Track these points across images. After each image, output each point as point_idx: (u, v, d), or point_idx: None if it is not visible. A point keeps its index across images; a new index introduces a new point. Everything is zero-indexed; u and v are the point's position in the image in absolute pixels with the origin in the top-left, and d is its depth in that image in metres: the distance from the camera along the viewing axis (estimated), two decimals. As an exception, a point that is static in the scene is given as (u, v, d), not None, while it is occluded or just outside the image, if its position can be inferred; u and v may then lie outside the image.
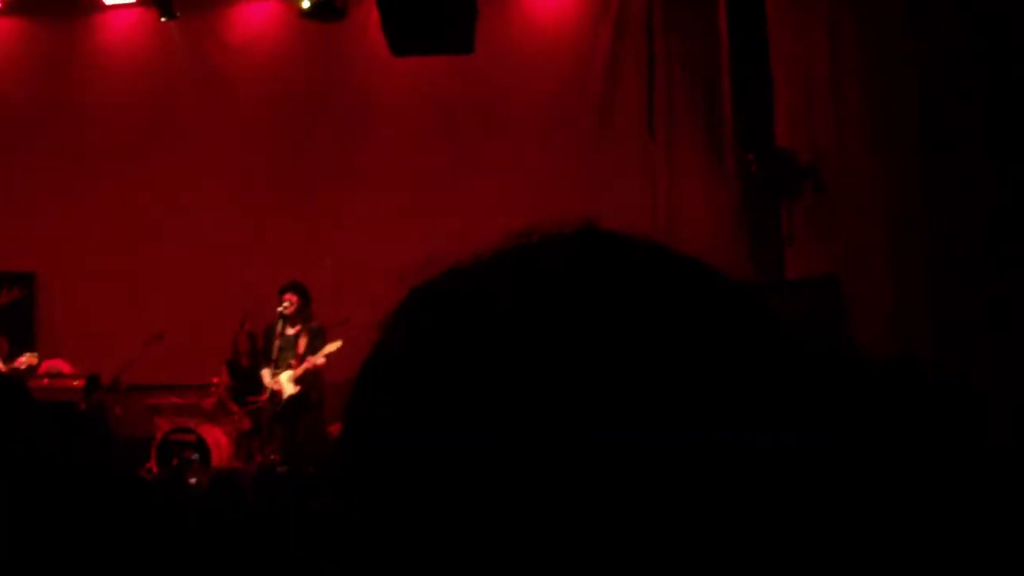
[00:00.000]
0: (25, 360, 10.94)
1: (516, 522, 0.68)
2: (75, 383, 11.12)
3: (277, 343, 11.29)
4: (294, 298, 11.22)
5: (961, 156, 8.96)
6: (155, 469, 10.59)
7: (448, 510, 0.69)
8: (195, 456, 10.76)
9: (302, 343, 11.20)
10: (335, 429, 10.79)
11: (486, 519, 0.69)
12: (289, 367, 11.18)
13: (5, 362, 10.92)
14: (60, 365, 11.44)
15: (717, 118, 12.65)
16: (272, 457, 10.67)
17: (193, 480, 9.24)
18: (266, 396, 11.31)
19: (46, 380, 10.97)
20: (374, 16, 10.72)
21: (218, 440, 11.10)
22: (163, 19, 13.62)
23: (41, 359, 11.27)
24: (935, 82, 9.21)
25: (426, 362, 0.74)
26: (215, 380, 11.68)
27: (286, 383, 11.15)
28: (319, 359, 11.03)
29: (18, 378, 8.56)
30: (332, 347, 10.94)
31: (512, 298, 0.74)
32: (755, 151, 11.95)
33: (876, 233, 10.06)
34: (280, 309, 11.24)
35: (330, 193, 13.39)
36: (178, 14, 13.56)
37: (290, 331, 11.29)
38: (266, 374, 11.36)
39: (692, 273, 0.77)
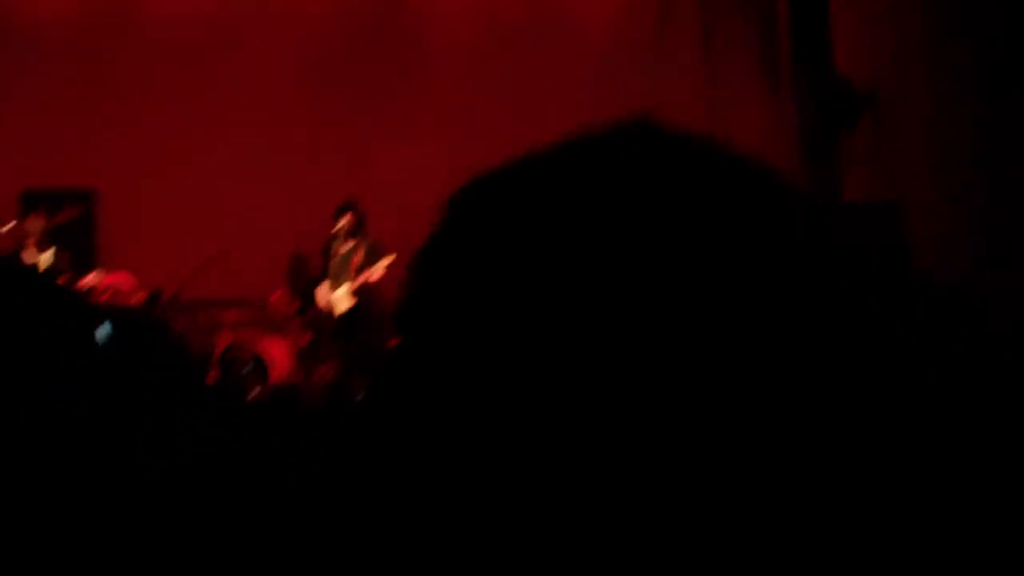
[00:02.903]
0: (90, 279, 11.01)
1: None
2: (136, 298, 11.22)
3: (334, 259, 11.42)
4: (350, 216, 11.34)
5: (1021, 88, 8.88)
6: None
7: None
8: (250, 370, 10.86)
9: (357, 258, 11.32)
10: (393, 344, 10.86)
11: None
12: (345, 281, 11.31)
13: (68, 279, 11.00)
14: (122, 279, 11.50)
15: (774, 46, 12.58)
16: (331, 373, 10.79)
17: (253, 393, 9.33)
18: (324, 311, 11.45)
19: (109, 294, 11.05)
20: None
21: (278, 354, 11.20)
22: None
23: (103, 275, 11.34)
24: (999, 10, 9.10)
25: (472, 250, 0.77)
26: (275, 295, 11.78)
27: (342, 298, 11.29)
28: (375, 273, 11.15)
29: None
30: (387, 260, 11.08)
31: (564, 192, 0.76)
32: (812, 79, 11.85)
33: (933, 161, 9.99)
34: (335, 228, 11.36)
35: (385, 115, 13.37)
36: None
37: (346, 247, 11.40)
38: (323, 289, 11.50)
39: (749, 173, 0.78)
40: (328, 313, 11.44)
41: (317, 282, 11.60)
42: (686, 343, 0.68)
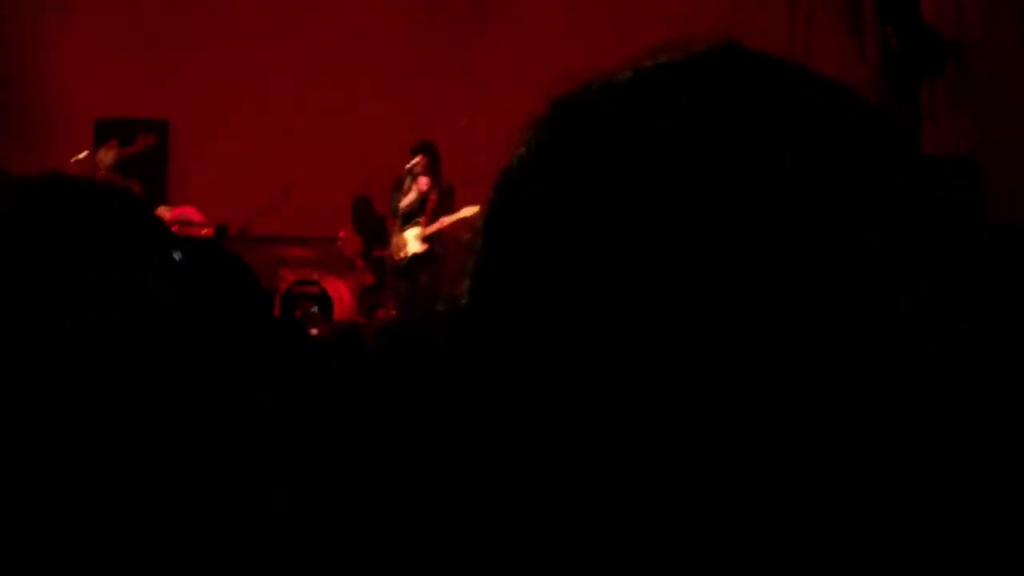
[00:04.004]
0: (160, 212, 11.11)
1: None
2: (204, 231, 11.34)
3: (404, 199, 11.33)
4: (424, 158, 11.25)
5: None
6: (279, 319, 10.79)
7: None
8: (315, 308, 10.94)
9: (432, 201, 11.23)
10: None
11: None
12: (416, 224, 11.23)
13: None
14: (190, 213, 11.63)
15: (859, -9, 12.35)
16: (393, 312, 10.82)
17: (315, 331, 9.38)
18: (391, 252, 11.43)
19: (176, 228, 11.17)
20: None
21: (341, 293, 11.29)
22: None
23: (172, 207, 11.47)
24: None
25: (555, 173, 0.73)
26: (341, 234, 11.83)
27: (412, 240, 11.22)
28: (451, 220, 10.98)
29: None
30: (468, 211, 10.75)
31: (649, 112, 0.73)
32: (896, 26, 11.67)
33: (1017, 113, 9.89)
34: (409, 166, 11.29)
35: (464, 53, 13.32)
36: None
37: (417, 187, 11.31)
38: (393, 230, 11.46)
39: (839, 95, 0.75)
40: (395, 255, 11.39)
41: (382, 222, 11.56)
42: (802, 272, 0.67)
